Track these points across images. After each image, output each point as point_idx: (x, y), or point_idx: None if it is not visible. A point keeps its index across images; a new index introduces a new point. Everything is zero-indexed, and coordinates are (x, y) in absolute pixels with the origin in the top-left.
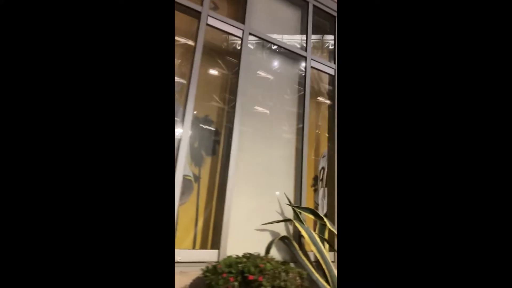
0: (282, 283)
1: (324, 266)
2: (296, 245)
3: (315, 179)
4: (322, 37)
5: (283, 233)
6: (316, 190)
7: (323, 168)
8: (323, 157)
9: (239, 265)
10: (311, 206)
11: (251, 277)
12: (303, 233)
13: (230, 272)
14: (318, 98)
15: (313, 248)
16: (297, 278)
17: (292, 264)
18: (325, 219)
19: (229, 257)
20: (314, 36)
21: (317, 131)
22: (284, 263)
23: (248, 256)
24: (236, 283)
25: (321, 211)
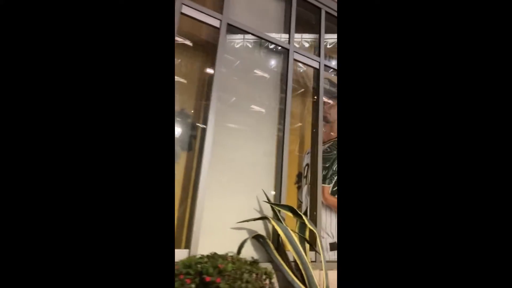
0: (243, 285)
1: (300, 266)
2: (271, 244)
3: (299, 176)
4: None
5: (263, 231)
6: (299, 188)
7: (307, 164)
8: (308, 153)
9: (198, 265)
10: (295, 204)
11: (208, 279)
12: (280, 231)
13: (188, 274)
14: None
15: (289, 247)
16: (263, 278)
17: (269, 264)
18: (304, 217)
19: (191, 257)
20: (312, 35)
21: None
22: (253, 263)
23: (212, 256)
24: (193, 286)
25: (305, 209)
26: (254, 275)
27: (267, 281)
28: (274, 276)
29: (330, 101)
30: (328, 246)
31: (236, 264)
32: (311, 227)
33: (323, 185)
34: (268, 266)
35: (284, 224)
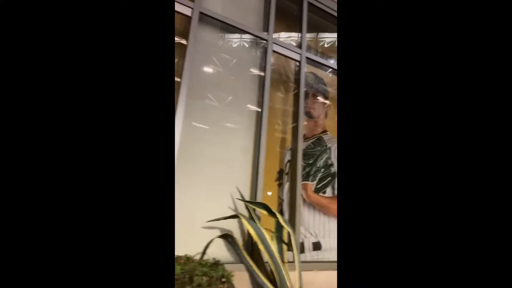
0: None
1: (272, 267)
2: (240, 244)
3: (280, 173)
4: (317, 35)
5: (238, 231)
6: (281, 185)
7: (289, 161)
8: (290, 149)
9: None
10: (275, 202)
11: None
12: (251, 230)
13: None
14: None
15: (261, 246)
16: (222, 281)
17: (242, 265)
18: (279, 216)
19: None
20: (311, 35)
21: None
22: (214, 264)
23: None
24: None
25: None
26: (205, 278)
27: (224, 285)
28: (233, 278)
29: (317, 97)
30: (311, 246)
31: (188, 266)
32: (285, 226)
33: (307, 182)
34: (234, 267)
35: (259, 223)
